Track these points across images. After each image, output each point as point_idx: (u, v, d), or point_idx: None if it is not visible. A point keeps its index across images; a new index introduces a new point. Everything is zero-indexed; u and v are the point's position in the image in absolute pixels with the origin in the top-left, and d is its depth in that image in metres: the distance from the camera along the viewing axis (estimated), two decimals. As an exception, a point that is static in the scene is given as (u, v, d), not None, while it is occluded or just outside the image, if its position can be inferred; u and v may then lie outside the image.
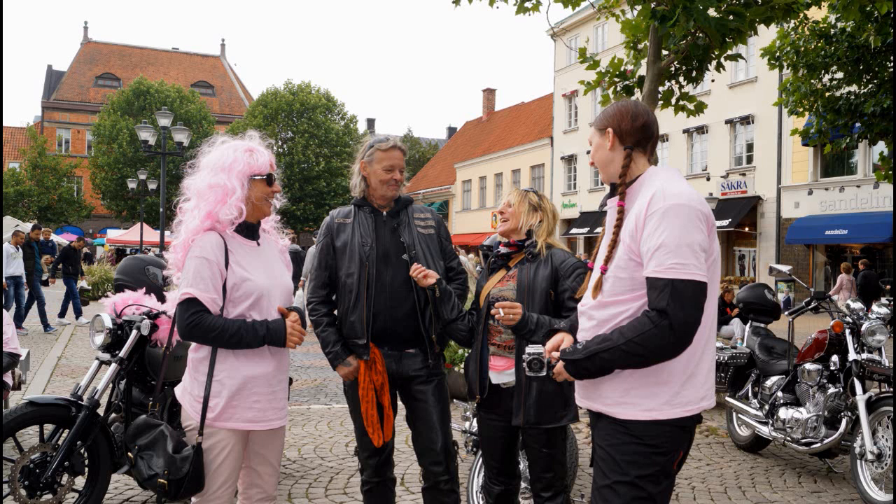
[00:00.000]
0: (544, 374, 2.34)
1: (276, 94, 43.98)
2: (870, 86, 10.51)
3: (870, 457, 4.50)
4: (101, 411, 3.92)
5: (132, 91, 43.86)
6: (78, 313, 14.32)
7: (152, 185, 32.60)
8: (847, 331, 4.99)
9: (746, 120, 25.34)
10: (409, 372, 3.21)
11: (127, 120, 41.79)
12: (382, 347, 3.19)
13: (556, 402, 3.01)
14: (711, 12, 6.30)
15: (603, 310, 2.21)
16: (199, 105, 45.12)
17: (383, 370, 3.17)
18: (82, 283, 16.35)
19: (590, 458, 2.35)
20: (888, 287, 16.93)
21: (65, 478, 3.69)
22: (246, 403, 2.64)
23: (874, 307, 5.22)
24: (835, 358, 5.08)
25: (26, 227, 18.57)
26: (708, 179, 26.14)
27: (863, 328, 4.95)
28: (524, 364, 2.34)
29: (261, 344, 2.64)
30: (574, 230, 32.68)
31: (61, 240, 25.01)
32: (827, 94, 10.92)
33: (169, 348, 3.00)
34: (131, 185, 34.86)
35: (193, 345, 2.70)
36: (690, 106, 7.87)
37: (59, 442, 3.74)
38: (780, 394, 5.42)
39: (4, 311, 5.07)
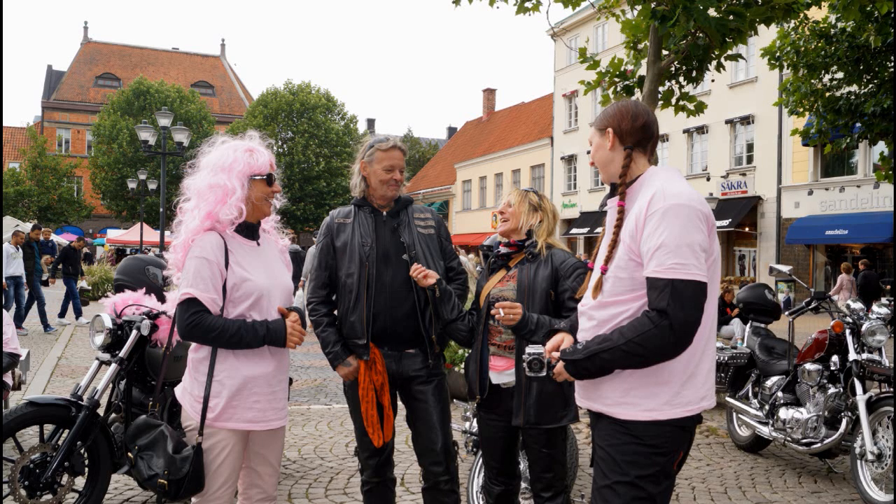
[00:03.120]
0: (544, 374, 2.34)
1: (276, 94, 43.99)
2: (870, 86, 10.50)
3: (870, 457, 4.50)
4: (101, 411, 3.92)
5: (132, 91, 43.87)
6: (78, 313, 14.31)
7: (152, 185, 32.64)
8: (847, 331, 4.99)
9: (746, 120, 25.34)
10: (409, 372, 3.21)
11: (127, 120, 41.80)
12: (382, 347, 3.19)
13: (556, 403, 3.01)
14: (711, 12, 6.30)
15: (603, 310, 2.21)
16: (199, 105, 45.12)
17: (383, 370, 3.17)
18: (82, 283, 16.35)
19: (590, 458, 2.35)
20: (888, 287, 16.93)
21: (65, 478, 3.69)
22: (246, 403, 2.64)
23: (874, 307, 5.21)
24: (835, 358, 5.08)
25: (26, 227, 18.57)
26: (708, 179, 26.14)
27: (863, 328, 4.94)
28: (524, 364, 2.34)
29: (261, 344, 2.64)
30: (574, 230, 32.69)
31: (61, 240, 25.02)
32: (827, 94, 10.91)
33: (169, 348, 3.00)
34: (131, 185, 34.92)
35: (193, 345, 2.70)
36: (690, 106, 7.87)
37: (59, 442, 3.73)
38: (780, 394, 5.42)
39: (4, 311, 5.07)
